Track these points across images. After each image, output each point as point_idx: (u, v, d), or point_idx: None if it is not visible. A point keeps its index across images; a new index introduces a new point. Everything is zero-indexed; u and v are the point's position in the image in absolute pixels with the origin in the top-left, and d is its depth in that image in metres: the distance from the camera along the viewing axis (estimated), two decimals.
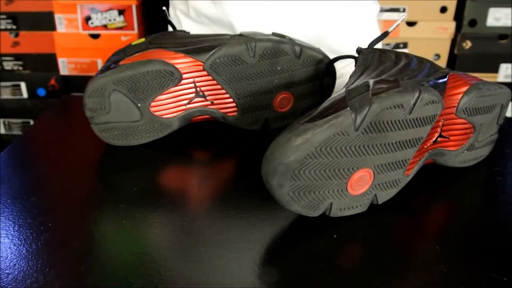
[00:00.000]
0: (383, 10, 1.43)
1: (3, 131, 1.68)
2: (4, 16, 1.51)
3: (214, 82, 0.54)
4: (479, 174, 0.52)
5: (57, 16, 1.46)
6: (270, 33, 0.58)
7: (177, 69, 0.53)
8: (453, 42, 1.48)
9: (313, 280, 0.37)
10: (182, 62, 0.53)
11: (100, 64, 1.50)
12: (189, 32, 0.60)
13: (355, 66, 0.50)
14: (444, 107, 0.45)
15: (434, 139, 0.47)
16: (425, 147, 0.46)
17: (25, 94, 1.62)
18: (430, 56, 1.48)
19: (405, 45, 1.49)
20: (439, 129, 0.47)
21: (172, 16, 0.80)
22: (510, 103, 0.64)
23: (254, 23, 0.67)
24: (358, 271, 0.38)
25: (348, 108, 0.39)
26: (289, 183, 0.39)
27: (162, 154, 0.55)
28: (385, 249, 0.40)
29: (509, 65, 1.49)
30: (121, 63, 0.53)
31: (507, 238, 0.42)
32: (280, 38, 0.55)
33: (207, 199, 0.48)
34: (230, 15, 0.69)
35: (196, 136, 0.58)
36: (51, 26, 1.48)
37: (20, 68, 1.59)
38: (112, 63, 0.54)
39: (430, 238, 0.42)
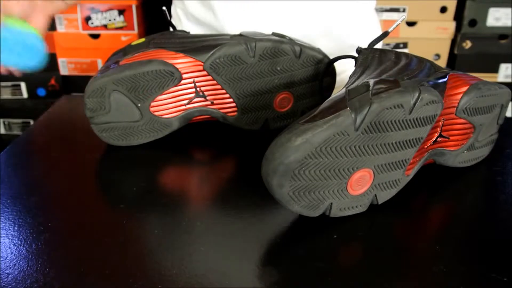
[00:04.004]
0: (383, 10, 1.43)
1: (3, 131, 1.68)
2: None
3: (214, 82, 0.54)
4: (479, 174, 0.52)
5: (57, 16, 1.46)
6: (270, 33, 0.58)
7: (177, 69, 0.53)
8: (453, 42, 1.48)
9: (313, 280, 0.37)
10: (182, 62, 0.53)
11: (100, 64, 1.50)
12: (189, 32, 0.60)
13: (355, 66, 0.50)
14: (444, 107, 0.45)
15: (434, 139, 0.47)
16: (425, 147, 0.46)
17: (25, 94, 1.62)
18: (430, 56, 1.48)
19: (405, 45, 1.49)
20: (439, 129, 0.47)
21: (174, 15, 0.80)
22: (510, 103, 0.64)
23: (247, 26, 0.67)
24: (358, 271, 0.38)
25: (348, 108, 0.39)
26: (289, 183, 0.39)
27: (162, 154, 0.55)
28: (385, 249, 0.40)
29: (509, 65, 1.49)
30: (121, 63, 0.53)
31: (507, 238, 0.42)
32: (280, 38, 0.55)
33: (207, 199, 0.48)
34: (222, 19, 0.70)
35: (196, 136, 0.58)
36: (51, 26, 1.48)
37: None
38: (112, 63, 0.54)
39: (430, 238, 0.42)
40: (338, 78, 0.60)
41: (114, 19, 1.44)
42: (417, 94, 0.41)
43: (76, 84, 1.53)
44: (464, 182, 0.50)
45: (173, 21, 0.80)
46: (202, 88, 0.55)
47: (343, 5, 0.72)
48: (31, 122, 1.66)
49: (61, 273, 0.37)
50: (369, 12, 0.77)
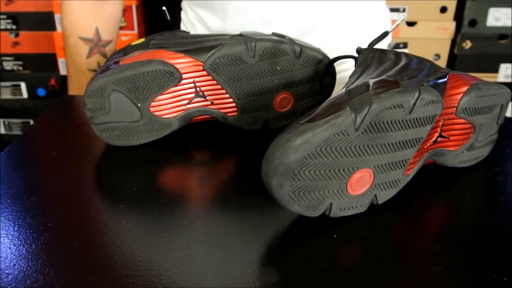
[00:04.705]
0: None
1: (3, 131, 1.68)
2: (4, 16, 1.51)
3: (214, 82, 0.54)
4: (479, 174, 0.52)
5: (57, 16, 1.46)
6: (270, 33, 0.58)
7: (177, 69, 0.53)
8: (453, 42, 1.48)
9: (313, 280, 0.37)
10: (182, 62, 0.53)
11: None
12: (189, 32, 0.60)
13: (355, 66, 0.50)
14: (444, 107, 0.45)
15: (434, 139, 0.47)
16: (425, 147, 0.46)
17: (25, 94, 1.62)
18: (430, 56, 1.48)
19: (405, 45, 1.49)
20: (439, 129, 0.47)
21: (185, 20, 0.81)
22: (510, 103, 0.64)
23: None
24: (358, 271, 0.38)
25: (348, 108, 0.39)
26: (289, 183, 0.39)
27: (162, 154, 0.55)
28: (385, 249, 0.40)
29: (509, 65, 1.49)
30: (121, 63, 0.53)
31: (507, 238, 0.42)
32: (280, 38, 0.55)
33: (207, 199, 0.48)
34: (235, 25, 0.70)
35: (196, 136, 0.58)
36: (51, 26, 1.48)
37: (20, 68, 1.59)
38: (112, 63, 0.54)
39: (430, 238, 0.42)
40: (338, 77, 0.60)
41: None
42: (417, 94, 0.41)
43: None
44: (464, 182, 0.50)
45: (185, 25, 0.81)
46: (202, 88, 0.55)
47: (356, 5, 0.73)
48: (31, 122, 1.66)
49: (61, 273, 0.37)
50: (381, 11, 0.78)
